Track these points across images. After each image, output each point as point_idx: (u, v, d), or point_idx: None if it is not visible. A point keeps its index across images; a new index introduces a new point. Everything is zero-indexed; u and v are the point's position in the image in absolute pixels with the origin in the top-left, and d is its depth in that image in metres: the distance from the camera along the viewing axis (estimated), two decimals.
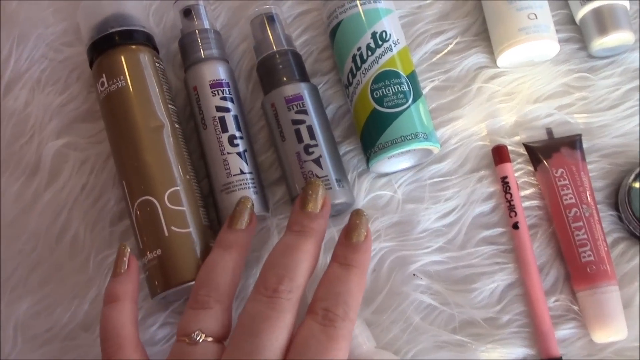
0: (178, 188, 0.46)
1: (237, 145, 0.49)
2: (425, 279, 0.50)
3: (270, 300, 0.37)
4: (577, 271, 0.48)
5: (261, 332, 0.36)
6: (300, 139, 0.49)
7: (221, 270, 0.41)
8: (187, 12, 0.53)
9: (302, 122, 0.49)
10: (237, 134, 0.50)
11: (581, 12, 0.54)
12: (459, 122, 0.53)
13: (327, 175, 0.48)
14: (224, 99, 0.50)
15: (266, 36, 0.52)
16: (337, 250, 0.41)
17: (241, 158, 0.49)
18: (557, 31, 0.54)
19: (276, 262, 0.39)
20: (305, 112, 0.49)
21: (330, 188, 0.47)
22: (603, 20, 0.52)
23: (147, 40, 0.51)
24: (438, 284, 0.49)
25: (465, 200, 0.51)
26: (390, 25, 0.51)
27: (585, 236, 0.48)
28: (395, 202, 0.52)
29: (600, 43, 0.52)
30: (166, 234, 0.44)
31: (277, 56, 0.51)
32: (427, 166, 0.52)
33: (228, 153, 0.49)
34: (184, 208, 0.46)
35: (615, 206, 0.51)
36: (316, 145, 0.49)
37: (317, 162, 0.48)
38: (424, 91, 0.54)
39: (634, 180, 0.50)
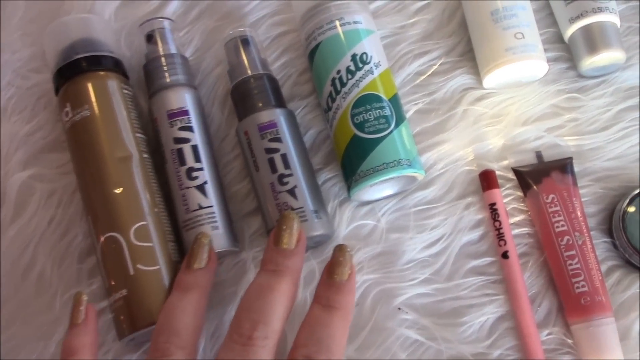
0: (145, 223, 0.43)
1: (196, 178, 0.46)
2: (411, 313, 0.47)
3: (244, 347, 0.35)
4: (570, 303, 0.46)
5: None
6: (274, 169, 0.46)
7: (181, 314, 0.38)
8: (150, 37, 0.51)
9: (276, 150, 0.47)
10: (197, 165, 0.47)
11: (570, 30, 0.52)
12: (445, 147, 0.51)
13: (302, 207, 0.45)
14: (183, 128, 0.47)
15: (240, 60, 0.50)
16: (319, 290, 0.39)
17: (200, 192, 0.46)
18: (546, 50, 0.52)
19: (250, 305, 0.37)
20: (279, 139, 0.47)
21: (307, 220, 0.45)
22: (593, 39, 0.50)
23: (115, 66, 0.48)
24: (425, 318, 0.47)
25: (452, 229, 0.49)
26: (371, 46, 0.49)
27: (578, 265, 0.46)
28: (378, 231, 0.49)
29: (591, 62, 0.50)
30: (132, 272, 0.42)
31: (252, 81, 0.49)
32: (412, 193, 0.50)
33: (186, 187, 0.46)
34: (152, 244, 0.43)
35: (609, 232, 0.48)
36: (291, 175, 0.46)
37: (292, 192, 0.46)
38: (408, 114, 0.51)
39: (629, 204, 0.47)
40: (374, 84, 0.47)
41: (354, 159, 0.47)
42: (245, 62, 0.50)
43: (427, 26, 0.54)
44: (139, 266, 0.42)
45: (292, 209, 0.45)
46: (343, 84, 0.47)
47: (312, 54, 0.49)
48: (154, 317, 0.41)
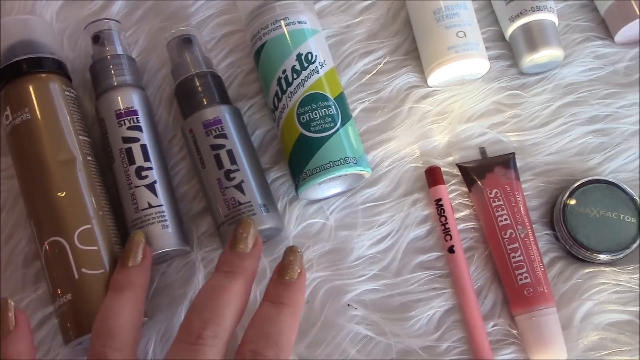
0: (90, 226, 0.43)
1: (146, 177, 0.46)
2: (360, 309, 0.48)
3: (192, 347, 0.34)
4: (514, 294, 0.47)
5: None
6: (220, 165, 0.46)
7: (115, 316, 0.38)
8: (96, 38, 0.50)
9: (221, 146, 0.47)
10: (146, 164, 0.47)
11: (510, 29, 0.53)
12: (391, 144, 0.52)
13: (250, 201, 0.45)
14: (131, 128, 0.47)
15: (183, 59, 0.50)
16: (269, 288, 0.39)
17: (150, 190, 0.46)
18: (488, 48, 0.53)
19: (201, 305, 0.36)
20: (224, 136, 0.47)
21: (255, 214, 0.45)
22: (532, 37, 0.52)
23: (57, 68, 0.48)
24: (374, 313, 0.47)
25: (399, 225, 0.50)
26: (316, 46, 0.49)
27: (521, 258, 0.47)
28: (327, 229, 0.50)
29: (530, 60, 0.52)
30: (76, 276, 0.41)
31: (195, 79, 0.49)
32: (360, 191, 0.50)
33: (136, 186, 0.46)
34: (97, 247, 0.43)
35: (551, 225, 0.50)
36: (237, 170, 0.46)
37: (239, 187, 0.46)
38: (354, 113, 0.52)
39: (569, 197, 0.49)
40: (320, 83, 0.48)
41: (301, 158, 0.47)
42: (188, 60, 0.50)
43: (372, 25, 0.55)
44: (84, 270, 0.42)
45: (240, 204, 0.45)
46: (289, 84, 0.48)
47: (257, 54, 0.50)
48: None
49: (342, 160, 0.46)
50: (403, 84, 0.53)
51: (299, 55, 0.48)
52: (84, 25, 0.53)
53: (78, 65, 0.53)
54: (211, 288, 0.37)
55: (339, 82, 0.50)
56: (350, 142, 0.47)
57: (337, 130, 0.47)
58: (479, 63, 0.51)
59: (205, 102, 0.48)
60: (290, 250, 0.39)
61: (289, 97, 0.47)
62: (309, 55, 0.48)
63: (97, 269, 0.42)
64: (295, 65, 0.48)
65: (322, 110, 0.47)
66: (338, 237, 0.49)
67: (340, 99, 0.48)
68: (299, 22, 0.49)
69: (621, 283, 0.48)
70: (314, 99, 0.47)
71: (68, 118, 0.46)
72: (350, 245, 0.49)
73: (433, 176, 0.50)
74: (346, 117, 0.48)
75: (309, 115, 0.47)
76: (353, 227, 0.49)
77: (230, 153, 0.46)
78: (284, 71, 0.48)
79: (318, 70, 0.48)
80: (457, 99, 0.53)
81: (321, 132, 0.47)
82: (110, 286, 0.40)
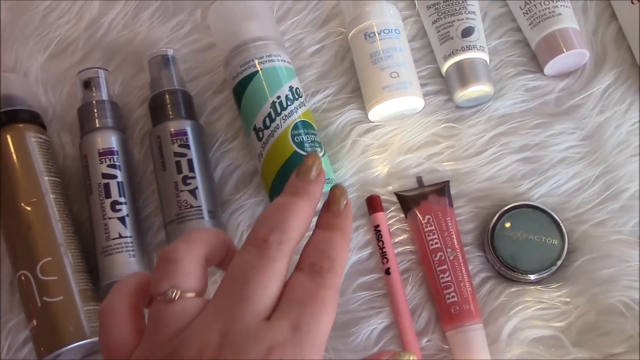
0: (50, 259, 0.49)
1: (119, 210, 0.53)
2: None
3: (259, 250, 0.34)
4: (443, 312, 0.51)
5: (249, 280, 0.33)
6: (179, 170, 0.53)
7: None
8: (87, 84, 0.58)
9: (183, 155, 0.53)
10: (121, 199, 0.53)
11: (445, 66, 0.58)
12: (336, 175, 0.57)
13: (200, 206, 0.52)
14: (111, 166, 0.54)
15: (160, 75, 0.57)
16: (319, 218, 0.40)
17: (122, 223, 0.52)
18: (428, 84, 0.58)
19: (267, 217, 0.37)
20: (187, 146, 0.54)
21: (202, 218, 0.52)
22: (464, 74, 0.56)
23: (32, 118, 0.55)
24: None
25: None
26: (298, 84, 0.56)
27: (449, 279, 0.51)
28: None
29: (462, 95, 0.56)
30: (39, 304, 0.48)
31: (167, 94, 0.56)
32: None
33: (109, 218, 0.52)
34: (56, 277, 0.49)
35: (483, 247, 0.54)
36: (194, 178, 0.53)
37: (193, 192, 0.52)
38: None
39: (496, 222, 0.53)
40: (307, 114, 0.55)
41: (289, 172, 0.47)
42: (164, 77, 0.57)
43: (322, 67, 0.60)
44: (45, 298, 0.48)
45: (191, 206, 0.52)
46: (283, 108, 0.53)
47: (247, 79, 0.54)
48: (60, 343, 0.47)
49: (328, 180, 0.52)
50: (348, 120, 0.58)
51: (291, 87, 0.54)
52: (66, 74, 0.60)
53: (60, 109, 0.60)
54: (277, 204, 0.38)
55: (314, 119, 0.56)
56: (330, 168, 0.54)
57: (323, 155, 0.54)
58: (413, 100, 0.56)
59: (172, 115, 0.55)
60: (336, 187, 0.40)
61: (283, 119, 0.53)
62: (298, 90, 0.55)
63: (56, 296, 0.49)
64: (288, 95, 0.54)
65: (312, 136, 0.54)
66: None
67: (318, 132, 0.55)
68: (288, 62, 0.56)
69: (544, 301, 0.52)
70: (305, 125, 0.54)
71: (40, 161, 0.53)
72: None
73: (372, 204, 0.55)
74: (323, 148, 0.55)
75: (302, 137, 0.53)
76: (299, 252, 0.54)
77: (190, 162, 0.53)
78: (279, 97, 0.54)
79: (304, 104, 0.55)
80: (397, 133, 0.57)
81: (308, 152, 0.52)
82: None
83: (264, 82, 0.54)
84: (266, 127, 0.53)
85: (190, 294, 0.34)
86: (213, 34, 0.59)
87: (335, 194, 0.40)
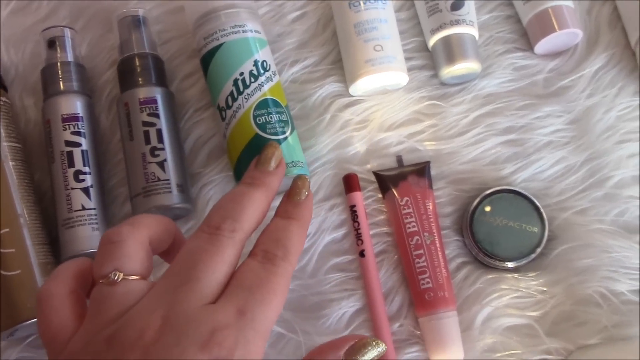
0: (8, 230, 0.47)
1: (83, 180, 0.50)
2: None
3: (210, 236, 0.35)
4: (417, 297, 0.50)
5: (197, 264, 0.33)
6: (148, 141, 0.50)
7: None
8: (52, 43, 0.54)
9: (152, 124, 0.51)
10: (85, 169, 0.50)
11: (432, 41, 0.55)
12: (314, 151, 0.54)
13: (168, 179, 0.50)
14: (75, 133, 0.51)
15: (130, 37, 0.53)
16: (279, 207, 0.40)
17: (85, 194, 0.50)
18: (412, 58, 0.56)
19: (221, 205, 0.37)
20: (157, 115, 0.51)
21: (170, 192, 0.49)
22: (451, 50, 0.54)
23: None
24: (288, 312, 0.51)
25: (316, 229, 0.53)
26: (267, 56, 0.52)
27: (425, 264, 0.50)
28: None
29: (449, 72, 0.54)
30: None
31: (137, 58, 0.53)
32: (280, 195, 0.53)
33: (72, 188, 0.50)
34: (14, 250, 0.47)
35: (461, 232, 0.52)
36: (162, 149, 0.50)
37: (161, 165, 0.50)
38: None
39: (476, 207, 0.51)
40: (274, 90, 0.51)
41: (253, 158, 0.44)
42: (134, 40, 0.53)
43: (302, 35, 0.57)
44: (2, 272, 0.45)
45: (159, 179, 0.49)
46: (246, 86, 0.50)
47: (210, 53, 0.51)
48: (18, 317, 0.45)
49: (293, 163, 0.49)
50: (328, 93, 0.55)
51: (255, 62, 0.51)
52: (29, 32, 0.56)
53: (22, 69, 0.57)
54: (233, 193, 0.38)
55: (284, 94, 0.53)
56: (298, 147, 0.51)
57: (288, 135, 0.50)
58: (396, 75, 0.53)
59: (142, 81, 0.52)
60: (299, 178, 0.41)
61: (245, 99, 0.50)
62: (264, 63, 0.51)
63: (14, 269, 0.46)
64: (252, 70, 0.50)
65: (277, 115, 0.50)
66: None
67: (287, 109, 0.52)
68: (255, 31, 0.52)
69: (521, 289, 0.50)
70: (269, 104, 0.50)
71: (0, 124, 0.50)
72: None
73: (349, 183, 0.53)
74: (293, 125, 0.51)
75: (265, 118, 0.49)
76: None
77: (159, 132, 0.51)
78: (242, 73, 0.50)
79: (272, 79, 0.51)
80: (378, 109, 0.55)
81: (275, 134, 0.49)
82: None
83: (226, 58, 0.50)
84: (228, 107, 0.50)
85: (134, 277, 0.34)
86: None
87: (298, 184, 0.40)
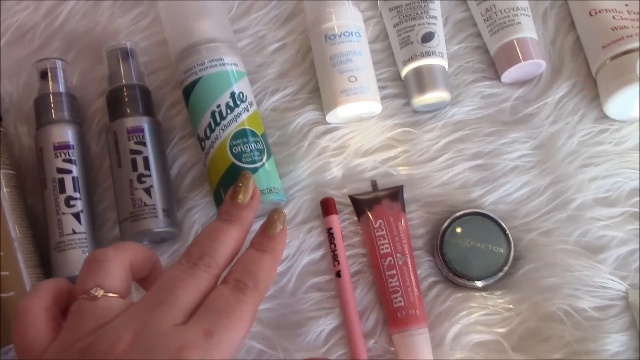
0: (2, 254, 0.50)
1: (74, 206, 0.53)
2: (256, 326, 0.54)
3: (189, 269, 0.37)
4: (390, 315, 0.53)
5: (174, 289, 0.36)
6: (135, 168, 0.53)
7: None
8: (44, 74, 0.57)
9: (139, 152, 0.54)
10: (76, 195, 0.53)
11: (404, 71, 0.58)
12: (293, 176, 0.57)
13: (154, 204, 0.53)
14: (67, 160, 0.54)
15: (118, 69, 0.56)
16: (254, 239, 0.42)
17: (75, 219, 0.52)
18: (386, 87, 0.59)
19: (199, 241, 0.40)
20: (144, 143, 0.54)
21: (156, 216, 0.52)
22: (422, 80, 0.57)
23: None
24: (268, 330, 0.53)
25: (295, 250, 0.55)
26: (245, 87, 0.55)
27: (397, 283, 0.53)
28: None
29: (420, 100, 0.57)
30: None
31: (125, 89, 0.56)
32: (261, 219, 0.56)
33: (63, 213, 0.53)
34: (8, 273, 0.49)
35: (432, 252, 0.55)
36: (149, 176, 0.53)
37: (148, 191, 0.53)
38: None
39: (446, 229, 0.54)
40: (249, 120, 0.54)
41: (230, 186, 0.47)
42: (122, 71, 0.56)
43: (282, 65, 0.60)
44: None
45: (145, 205, 0.52)
46: (222, 117, 0.53)
47: (190, 87, 0.54)
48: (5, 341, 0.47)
49: (268, 190, 0.52)
50: (306, 120, 0.58)
51: (232, 94, 0.54)
52: (23, 63, 0.59)
53: (17, 98, 0.60)
54: (211, 229, 0.40)
55: (261, 122, 0.56)
56: (274, 174, 0.54)
57: (264, 163, 0.53)
58: (370, 104, 0.56)
59: (129, 111, 0.55)
60: (275, 211, 0.43)
61: (222, 129, 0.53)
62: (241, 94, 0.54)
63: (7, 291, 0.49)
64: (229, 102, 0.53)
65: (253, 144, 0.53)
66: None
67: (264, 137, 0.55)
68: (233, 64, 0.55)
69: (488, 307, 0.53)
70: (245, 134, 0.53)
71: None
72: None
73: (326, 207, 0.56)
74: (269, 153, 0.54)
75: (240, 148, 0.53)
76: None
77: (145, 160, 0.54)
78: (219, 106, 0.53)
79: (248, 109, 0.54)
80: (353, 135, 0.58)
81: (250, 163, 0.53)
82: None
83: (204, 91, 0.53)
84: (207, 138, 0.53)
85: (113, 295, 0.36)
86: (165, 33, 0.58)
87: (273, 217, 0.43)
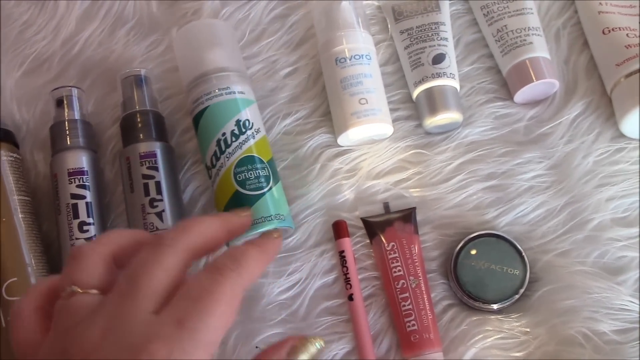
0: (16, 279, 0.50)
1: (87, 231, 0.53)
2: None
3: (152, 246, 0.35)
4: (404, 339, 0.52)
5: (138, 275, 0.33)
6: (147, 193, 0.53)
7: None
8: (60, 102, 0.58)
9: (151, 177, 0.54)
10: (89, 220, 0.54)
11: (415, 93, 0.58)
12: (305, 199, 0.57)
13: (166, 229, 0.53)
14: (80, 186, 0.54)
15: (132, 95, 0.57)
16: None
17: None
18: (398, 109, 0.59)
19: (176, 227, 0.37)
20: (156, 168, 0.54)
21: None
22: (433, 101, 0.57)
23: (4, 137, 0.55)
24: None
25: (307, 274, 0.55)
26: (252, 114, 0.55)
27: (410, 307, 0.52)
28: None
29: (431, 122, 0.57)
30: (3, 325, 0.48)
31: (138, 115, 0.56)
32: None
33: (76, 239, 0.53)
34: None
35: (446, 275, 0.54)
36: (161, 200, 0.53)
37: (160, 215, 0.53)
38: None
39: (460, 251, 0.53)
40: (255, 147, 0.54)
41: None
42: (135, 97, 0.57)
43: (294, 90, 0.61)
44: (9, 319, 0.48)
45: (157, 229, 0.52)
46: (227, 145, 0.53)
47: (199, 116, 0.55)
48: None
49: (273, 217, 0.52)
50: (318, 143, 0.59)
51: (237, 122, 0.54)
52: (40, 91, 0.61)
53: (33, 126, 0.61)
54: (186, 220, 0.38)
55: (269, 148, 0.56)
56: (279, 201, 0.54)
57: (269, 189, 0.53)
58: (381, 126, 0.56)
59: (142, 137, 0.55)
60: (275, 229, 0.44)
61: (227, 157, 0.53)
62: (247, 122, 0.54)
63: None
64: (234, 130, 0.54)
65: (257, 171, 0.53)
66: (252, 284, 0.55)
67: (271, 163, 0.55)
68: (240, 92, 0.55)
69: (505, 330, 0.52)
70: (249, 161, 0.53)
71: (10, 180, 0.53)
72: (262, 292, 0.55)
73: (338, 229, 0.55)
74: (276, 179, 0.54)
75: (244, 175, 0.53)
76: (264, 276, 0.55)
77: (158, 184, 0.54)
78: (224, 134, 0.54)
79: (254, 136, 0.54)
80: (365, 158, 0.58)
81: (255, 190, 0.53)
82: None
83: (210, 120, 0.54)
84: (213, 166, 0.54)
85: (93, 291, 0.34)
86: (177, 62, 0.59)
87: (271, 230, 0.41)
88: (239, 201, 0.52)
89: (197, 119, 0.55)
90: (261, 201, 0.52)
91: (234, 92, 0.55)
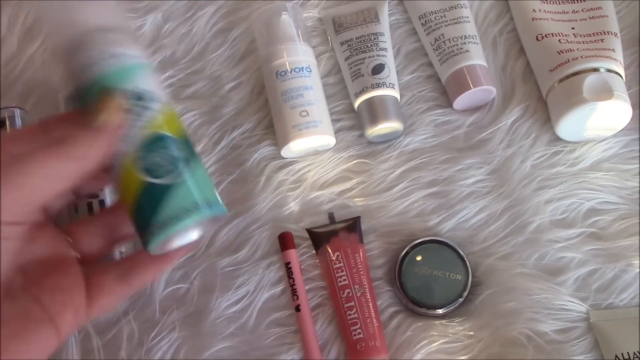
0: None
1: None
2: None
3: None
4: (350, 348, 0.52)
5: None
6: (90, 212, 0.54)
7: None
8: (2, 123, 0.58)
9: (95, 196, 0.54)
10: None
11: (356, 103, 0.59)
12: (251, 212, 0.57)
13: None
14: None
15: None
16: None
17: None
18: (341, 120, 0.59)
19: None
20: None
21: None
22: (374, 111, 0.57)
23: None
24: None
25: (255, 286, 0.55)
26: (145, 81, 0.38)
27: (356, 315, 0.53)
28: (190, 293, 0.55)
29: (373, 131, 0.57)
30: None
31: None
32: (222, 257, 0.56)
33: None
34: None
35: (392, 282, 0.55)
36: None
37: None
38: (221, 186, 0.58)
39: (403, 258, 0.54)
40: (163, 122, 0.38)
41: (146, 209, 0.37)
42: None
43: (238, 104, 0.61)
44: None
45: None
46: None
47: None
48: None
49: (193, 205, 0.38)
50: (263, 156, 0.59)
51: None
52: None
53: None
54: None
55: (179, 123, 0.40)
56: (200, 186, 0.38)
57: (184, 173, 0.38)
58: (323, 138, 0.57)
59: None
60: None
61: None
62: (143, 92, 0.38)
63: None
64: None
65: (163, 152, 0.38)
66: (200, 300, 0.55)
67: (184, 140, 0.39)
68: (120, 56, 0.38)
69: (449, 334, 0.53)
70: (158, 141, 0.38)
71: None
72: (210, 306, 0.55)
73: (284, 241, 0.56)
74: (194, 159, 0.39)
75: (151, 160, 0.38)
76: (212, 291, 0.55)
77: (102, 202, 0.54)
78: None
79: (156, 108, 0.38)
80: (310, 169, 0.58)
81: (167, 176, 0.38)
82: None
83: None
84: None
85: None
86: None
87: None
88: (149, 194, 0.37)
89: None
90: (178, 188, 0.37)
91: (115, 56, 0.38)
